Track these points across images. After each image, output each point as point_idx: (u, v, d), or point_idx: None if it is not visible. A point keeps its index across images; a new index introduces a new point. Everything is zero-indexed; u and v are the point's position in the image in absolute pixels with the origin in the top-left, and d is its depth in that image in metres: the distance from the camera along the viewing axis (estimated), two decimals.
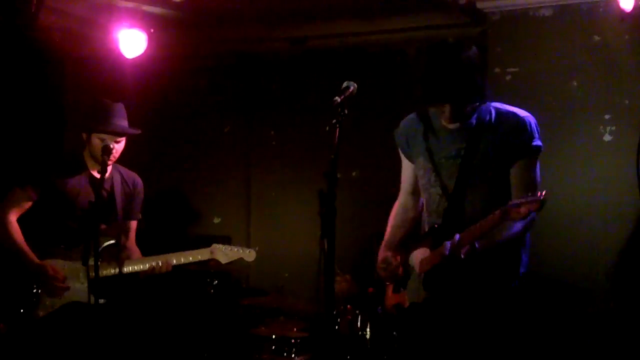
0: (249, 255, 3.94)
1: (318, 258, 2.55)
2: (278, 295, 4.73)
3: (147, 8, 5.05)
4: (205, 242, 3.98)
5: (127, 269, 3.74)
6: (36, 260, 3.67)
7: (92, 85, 5.42)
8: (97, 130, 3.72)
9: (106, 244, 3.73)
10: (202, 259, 3.89)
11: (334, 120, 2.67)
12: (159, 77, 5.68)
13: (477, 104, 2.91)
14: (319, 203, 2.53)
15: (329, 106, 2.78)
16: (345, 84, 2.83)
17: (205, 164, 6.12)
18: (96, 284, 3.49)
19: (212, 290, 4.70)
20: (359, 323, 4.31)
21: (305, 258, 3.92)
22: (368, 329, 4.28)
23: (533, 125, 2.89)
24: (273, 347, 4.23)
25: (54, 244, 3.73)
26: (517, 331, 2.93)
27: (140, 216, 4.05)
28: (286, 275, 5.59)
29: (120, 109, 3.83)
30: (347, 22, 5.51)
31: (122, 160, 3.91)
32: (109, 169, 3.82)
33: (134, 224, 4.03)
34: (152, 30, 5.00)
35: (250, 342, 4.39)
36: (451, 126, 2.95)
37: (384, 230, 5.24)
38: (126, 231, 3.99)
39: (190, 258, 3.85)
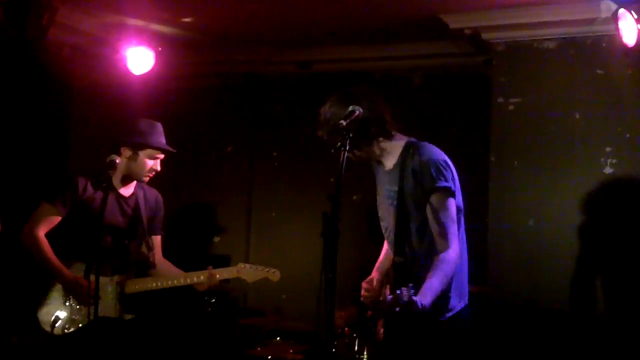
0: (274, 275, 3.94)
1: (317, 280, 2.56)
2: (275, 317, 4.71)
3: (156, 27, 5.11)
4: (203, 260, 3.98)
5: (152, 285, 3.79)
6: (68, 273, 3.64)
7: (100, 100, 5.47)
8: (152, 146, 3.76)
9: (136, 260, 3.81)
10: (228, 277, 3.89)
11: (339, 144, 2.71)
12: (165, 94, 5.71)
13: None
14: (322, 225, 2.55)
15: (333, 130, 2.81)
16: (350, 108, 2.87)
17: (207, 183, 6.13)
18: (125, 300, 3.63)
19: (209, 309, 4.68)
20: (356, 347, 4.29)
21: (303, 280, 3.90)
22: (365, 354, 4.26)
23: (436, 167, 2.91)
24: None
25: (85, 260, 3.64)
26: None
27: (162, 232, 4.05)
28: (283, 296, 5.59)
29: (162, 127, 3.89)
30: (354, 47, 5.57)
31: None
32: (133, 186, 3.88)
33: (158, 239, 4.03)
34: (160, 49, 5.06)
35: None
36: (384, 167, 3.09)
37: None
38: (154, 246, 3.98)
39: (217, 276, 3.85)
